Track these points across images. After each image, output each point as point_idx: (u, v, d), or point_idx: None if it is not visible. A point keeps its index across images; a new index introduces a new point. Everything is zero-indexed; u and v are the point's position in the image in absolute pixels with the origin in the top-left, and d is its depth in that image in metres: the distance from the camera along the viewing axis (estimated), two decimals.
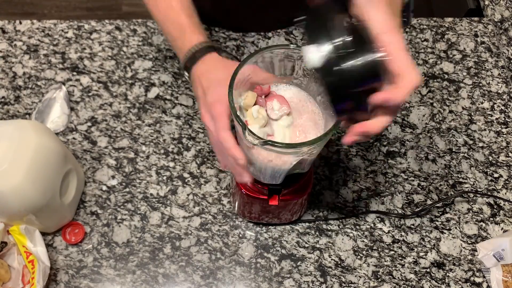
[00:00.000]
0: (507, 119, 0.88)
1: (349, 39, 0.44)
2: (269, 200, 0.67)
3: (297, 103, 0.59)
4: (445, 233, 0.78)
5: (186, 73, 0.64)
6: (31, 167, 0.64)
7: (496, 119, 0.88)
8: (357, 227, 0.78)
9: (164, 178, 0.80)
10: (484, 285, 0.75)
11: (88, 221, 0.77)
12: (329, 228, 0.78)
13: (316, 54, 0.45)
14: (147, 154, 0.82)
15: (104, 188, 0.79)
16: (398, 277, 0.75)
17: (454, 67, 0.93)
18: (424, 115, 0.88)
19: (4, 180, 0.62)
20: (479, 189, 0.82)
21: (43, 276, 0.66)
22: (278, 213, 0.72)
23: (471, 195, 0.81)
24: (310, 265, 0.75)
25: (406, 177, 0.82)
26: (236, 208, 0.76)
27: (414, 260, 0.76)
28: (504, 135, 0.87)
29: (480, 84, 0.92)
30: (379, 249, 0.77)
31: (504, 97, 0.91)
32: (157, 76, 0.89)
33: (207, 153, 0.82)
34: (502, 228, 0.79)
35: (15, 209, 0.65)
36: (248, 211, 0.73)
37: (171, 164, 0.81)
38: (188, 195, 0.79)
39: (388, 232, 0.78)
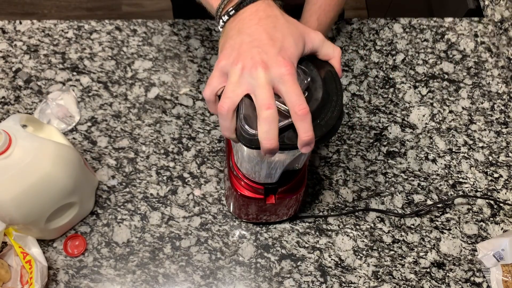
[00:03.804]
0: (507, 119, 0.88)
1: None
2: (265, 199, 0.67)
3: None
4: (445, 233, 0.78)
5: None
6: (24, 190, 0.62)
7: (496, 119, 0.88)
8: (357, 227, 0.78)
9: (164, 178, 0.80)
10: (484, 285, 0.75)
11: (88, 221, 0.77)
12: (329, 228, 0.78)
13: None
14: (147, 154, 0.82)
15: (104, 188, 0.79)
16: (398, 277, 0.75)
17: (454, 67, 0.93)
18: (424, 115, 0.88)
19: None
20: (479, 189, 0.82)
21: (41, 276, 0.66)
22: (274, 210, 0.72)
23: (471, 195, 0.81)
24: (310, 265, 0.75)
25: (406, 177, 0.82)
26: (231, 209, 0.76)
27: (414, 260, 0.76)
28: (504, 135, 0.87)
29: (480, 84, 0.92)
30: (379, 249, 0.77)
31: (504, 97, 0.91)
32: (157, 76, 0.89)
33: (207, 153, 0.82)
34: (502, 228, 0.79)
35: None
36: (244, 213, 0.73)
37: (171, 164, 0.81)
38: (188, 195, 0.79)
39: (388, 232, 0.78)
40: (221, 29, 0.51)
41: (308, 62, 0.50)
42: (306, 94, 0.48)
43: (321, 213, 0.79)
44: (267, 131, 0.44)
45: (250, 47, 0.45)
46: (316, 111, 0.47)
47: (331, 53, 0.50)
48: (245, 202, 0.68)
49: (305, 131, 0.44)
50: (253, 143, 0.46)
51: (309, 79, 0.49)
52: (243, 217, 0.75)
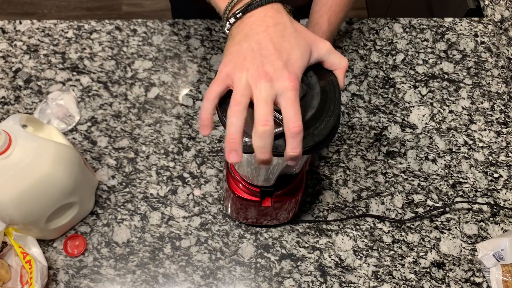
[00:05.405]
0: (507, 119, 0.88)
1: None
2: (261, 202, 0.67)
3: None
4: (445, 233, 0.78)
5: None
6: (24, 190, 0.62)
7: (496, 119, 0.88)
8: (357, 227, 0.78)
9: (164, 178, 0.80)
10: (484, 285, 0.75)
11: (88, 221, 0.77)
12: (329, 228, 0.78)
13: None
14: (147, 154, 0.82)
15: (104, 188, 0.79)
16: (398, 277, 0.75)
17: (454, 67, 0.93)
18: (424, 115, 0.88)
19: None
20: (479, 189, 0.82)
21: (41, 276, 0.66)
22: (272, 214, 0.72)
23: (471, 195, 0.81)
24: (310, 265, 0.75)
25: (406, 177, 0.82)
26: (229, 211, 0.76)
27: (414, 260, 0.76)
28: (504, 135, 0.87)
29: (480, 84, 0.92)
30: (379, 249, 0.77)
31: (504, 97, 0.91)
32: (157, 76, 0.89)
33: (207, 153, 0.82)
34: (502, 228, 0.79)
35: None
36: (243, 217, 0.73)
37: (171, 164, 0.81)
38: (188, 195, 0.79)
39: (388, 232, 0.78)
40: (227, 32, 0.50)
41: (310, 68, 0.49)
42: (303, 100, 0.47)
43: (320, 213, 0.79)
44: (262, 146, 0.44)
45: (256, 56, 0.45)
46: (311, 119, 0.46)
47: (337, 64, 0.50)
48: (242, 204, 0.68)
49: (292, 148, 0.45)
50: (245, 149, 0.46)
51: (305, 87, 0.48)
52: (241, 220, 0.75)
